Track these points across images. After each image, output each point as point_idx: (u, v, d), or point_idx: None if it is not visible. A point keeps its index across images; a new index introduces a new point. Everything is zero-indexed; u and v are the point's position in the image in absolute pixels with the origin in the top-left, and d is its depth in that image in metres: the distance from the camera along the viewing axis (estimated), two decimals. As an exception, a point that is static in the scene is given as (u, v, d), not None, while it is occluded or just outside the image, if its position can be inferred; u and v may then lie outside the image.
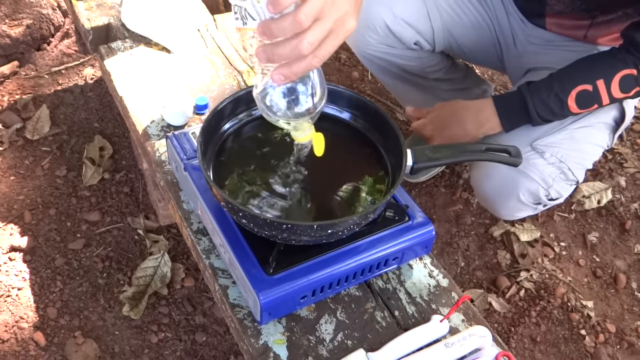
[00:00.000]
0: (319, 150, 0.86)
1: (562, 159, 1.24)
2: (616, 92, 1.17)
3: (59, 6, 2.06)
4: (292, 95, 0.76)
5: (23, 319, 1.38)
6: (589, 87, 1.17)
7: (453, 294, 1.02)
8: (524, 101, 1.20)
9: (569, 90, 1.17)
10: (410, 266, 1.05)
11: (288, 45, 0.65)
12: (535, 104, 1.20)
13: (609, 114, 1.28)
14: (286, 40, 0.65)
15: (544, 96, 1.19)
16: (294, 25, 0.63)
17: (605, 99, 1.18)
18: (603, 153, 1.35)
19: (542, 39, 1.36)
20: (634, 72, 1.14)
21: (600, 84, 1.16)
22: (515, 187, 1.26)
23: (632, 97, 1.21)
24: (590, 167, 1.31)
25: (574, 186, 1.31)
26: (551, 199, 1.30)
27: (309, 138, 0.84)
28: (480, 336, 0.93)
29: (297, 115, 0.78)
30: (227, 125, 1.01)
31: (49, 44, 2.02)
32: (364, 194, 0.97)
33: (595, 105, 1.19)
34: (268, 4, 0.64)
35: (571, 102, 1.18)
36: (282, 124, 0.81)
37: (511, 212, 1.36)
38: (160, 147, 1.20)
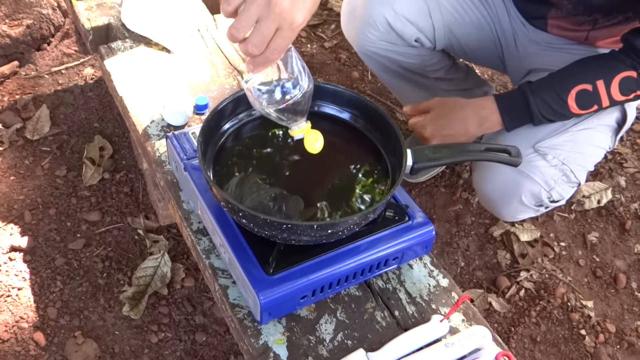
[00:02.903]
0: (311, 147, 0.88)
1: (564, 161, 1.24)
2: (616, 94, 1.17)
3: (59, 6, 2.06)
4: (272, 87, 0.82)
5: (23, 319, 1.38)
6: (588, 87, 1.17)
7: (453, 294, 1.02)
8: (526, 99, 1.21)
9: (569, 89, 1.17)
10: (410, 266, 1.05)
11: (243, 47, 0.77)
12: (537, 103, 1.20)
13: (611, 116, 1.28)
14: (242, 42, 0.77)
15: (545, 95, 1.19)
16: (232, 38, 0.76)
17: (605, 101, 1.18)
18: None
19: (543, 41, 1.37)
20: (634, 74, 1.15)
21: (600, 84, 1.16)
22: (517, 189, 1.26)
23: (632, 100, 1.21)
24: (592, 169, 1.31)
25: (576, 188, 1.32)
26: (553, 201, 1.30)
27: (301, 133, 0.86)
28: (480, 336, 0.93)
29: (278, 104, 0.82)
30: (227, 125, 1.01)
31: (49, 44, 2.02)
32: (363, 194, 0.97)
33: (595, 107, 1.19)
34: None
35: (571, 102, 1.18)
36: (272, 116, 0.84)
37: (513, 214, 1.36)
38: (160, 147, 1.20)
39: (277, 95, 0.82)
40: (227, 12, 0.77)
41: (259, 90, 0.82)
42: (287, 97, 0.82)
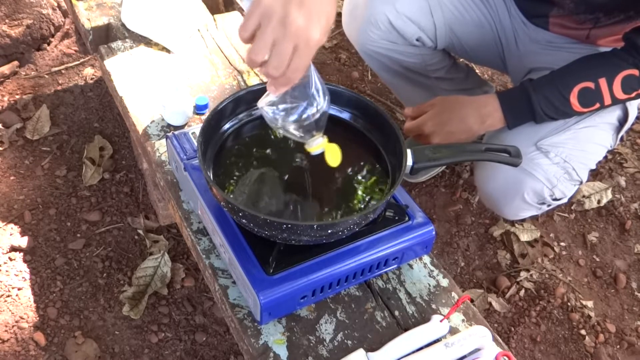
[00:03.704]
0: (333, 161, 0.88)
1: (566, 158, 1.24)
2: (618, 93, 1.17)
3: (59, 6, 2.06)
4: (289, 106, 0.81)
5: (23, 319, 1.38)
6: (590, 85, 1.17)
7: (453, 294, 1.02)
8: (529, 97, 1.21)
9: (572, 87, 1.18)
10: (410, 266, 1.05)
11: (263, 70, 0.76)
12: (539, 100, 1.20)
13: (612, 114, 1.28)
14: (262, 65, 0.76)
15: (548, 92, 1.19)
16: (251, 62, 0.75)
17: (607, 99, 1.18)
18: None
19: (544, 39, 1.37)
20: (636, 73, 1.15)
21: (603, 82, 1.16)
22: (519, 187, 1.26)
23: (634, 99, 1.21)
24: (594, 167, 1.32)
25: (578, 186, 1.32)
26: (555, 199, 1.30)
27: (320, 148, 0.87)
28: (480, 336, 0.93)
29: (296, 123, 0.82)
30: (227, 125, 1.01)
31: (49, 44, 2.02)
32: (363, 194, 0.97)
33: (597, 105, 1.20)
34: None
35: (573, 100, 1.18)
36: (290, 133, 0.84)
37: (515, 212, 1.36)
38: (160, 147, 1.20)
39: (295, 114, 0.81)
40: (244, 39, 0.75)
41: (277, 109, 0.82)
42: (305, 115, 0.81)
